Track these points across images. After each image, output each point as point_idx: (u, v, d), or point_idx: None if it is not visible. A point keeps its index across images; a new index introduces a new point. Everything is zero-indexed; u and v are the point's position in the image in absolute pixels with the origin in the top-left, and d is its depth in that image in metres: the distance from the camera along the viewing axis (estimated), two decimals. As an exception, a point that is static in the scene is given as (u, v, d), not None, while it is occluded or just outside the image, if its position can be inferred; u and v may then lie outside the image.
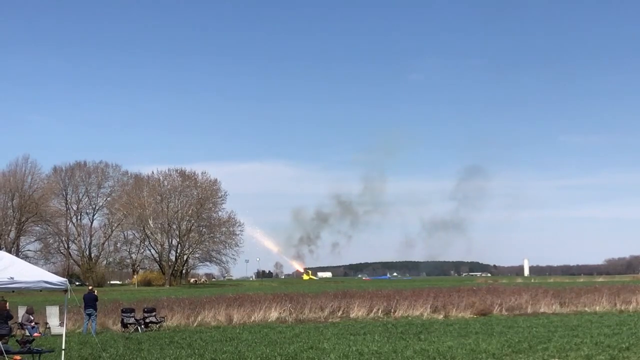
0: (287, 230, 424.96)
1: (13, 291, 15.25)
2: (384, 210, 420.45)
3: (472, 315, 39.38)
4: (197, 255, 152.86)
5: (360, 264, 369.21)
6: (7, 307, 24.30)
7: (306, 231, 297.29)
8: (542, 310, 42.02)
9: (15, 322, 30.66)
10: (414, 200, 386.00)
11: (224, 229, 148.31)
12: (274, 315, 38.48)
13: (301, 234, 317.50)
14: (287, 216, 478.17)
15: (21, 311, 33.10)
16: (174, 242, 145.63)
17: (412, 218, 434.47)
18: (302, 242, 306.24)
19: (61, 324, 31.00)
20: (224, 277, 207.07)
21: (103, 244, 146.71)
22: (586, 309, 43.02)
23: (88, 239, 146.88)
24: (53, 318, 34.23)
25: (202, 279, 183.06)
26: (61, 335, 19.40)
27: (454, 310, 40.33)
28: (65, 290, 15.11)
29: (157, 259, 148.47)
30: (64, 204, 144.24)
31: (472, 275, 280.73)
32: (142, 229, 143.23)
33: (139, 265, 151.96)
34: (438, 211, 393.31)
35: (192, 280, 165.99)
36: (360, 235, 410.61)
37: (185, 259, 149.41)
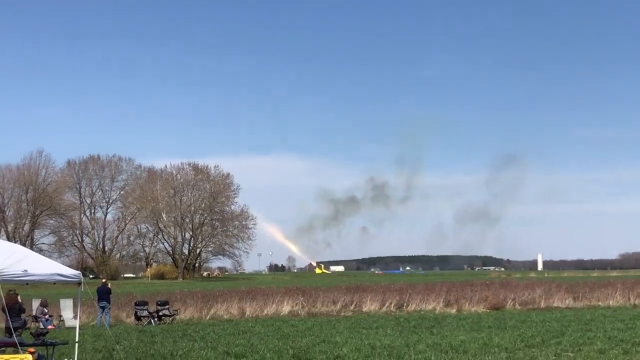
0: (301, 222, 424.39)
1: (27, 284, 15.31)
2: (407, 203, 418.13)
3: (485, 310, 39.29)
4: (209, 249, 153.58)
5: (373, 258, 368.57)
6: (20, 300, 24.44)
7: (325, 220, 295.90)
8: (555, 304, 41.88)
9: (30, 315, 30.87)
10: (436, 194, 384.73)
11: (236, 222, 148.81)
12: (286, 308, 38.55)
13: (319, 223, 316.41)
14: (300, 210, 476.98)
15: (35, 304, 33.32)
16: (187, 235, 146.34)
17: (430, 212, 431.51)
18: (321, 231, 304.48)
19: (75, 317, 31.18)
20: (237, 270, 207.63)
21: (117, 237, 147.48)
22: (600, 303, 42.82)
23: (102, 232, 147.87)
24: (67, 311, 34.43)
25: (215, 273, 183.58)
26: (75, 327, 19.49)
27: (467, 304, 40.26)
28: (79, 283, 15.16)
29: (170, 252, 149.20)
30: (77, 197, 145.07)
31: (486, 269, 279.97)
32: (155, 222, 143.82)
33: (152, 259, 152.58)
34: (460, 205, 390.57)
35: (204, 273, 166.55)
36: (382, 228, 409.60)
37: (198, 252, 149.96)
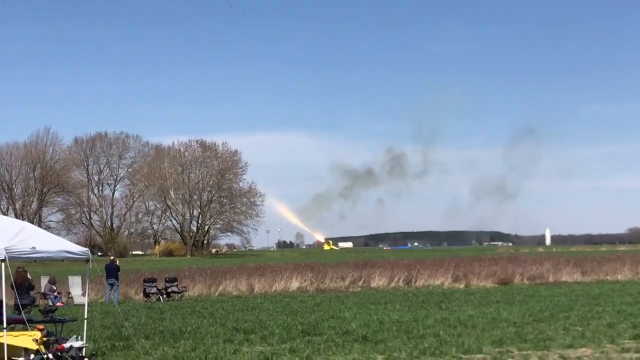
0: (311, 199, 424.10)
1: (35, 261, 15.33)
2: (423, 178, 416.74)
3: (493, 285, 39.38)
4: (218, 226, 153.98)
5: (381, 234, 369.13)
6: (29, 277, 24.52)
7: (338, 194, 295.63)
8: (563, 279, 41.94)
9: (38, 292, 31.00)
10: (453, 169, 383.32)
11: (244, 199, 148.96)
12: (295, 285, 38.68)
13: (330, 197, 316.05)
14: (310, 186, 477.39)
15: (44, 281, 33.45)
16: (195, 212, 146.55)
17: (446, 187, 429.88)
18: (331, 207, 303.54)
19: (83, 294, 31.31)
20: (245, 247, 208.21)
21: (125, 214, 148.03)
22: (608, 277, 42.85)
23: (110, 209, 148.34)
24: (75, 288, 34.57)
25: (224, 249, 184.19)
26: (84, 304, 19.57)
27: (475, 279, 40.37)
28: (87, 260, 15.18)
29: (179, 229, 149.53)
30: (85, 175, 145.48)
31: (494, 244, 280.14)
32: (163, 199, 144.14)
33: (160, 236, 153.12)
34: (476, 180, 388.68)
35: (213, 250, 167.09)
36: (397, 202, 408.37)
37: (206, 229, 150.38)
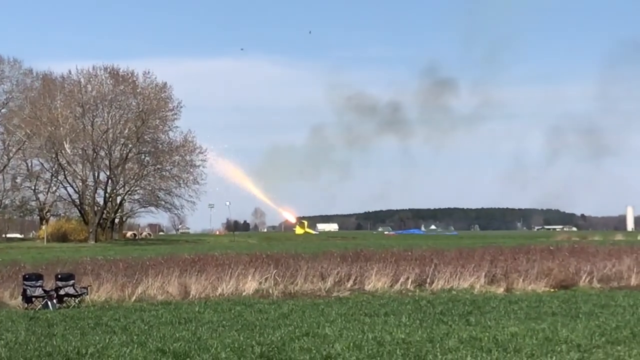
0: (278, 155, 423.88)
1: None
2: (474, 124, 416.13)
3: (547, 289, 39.63)
4: (136, 197, 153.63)
5: (382, 212, 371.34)
6: None
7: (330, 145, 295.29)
8: (652, 282, 42.29)
9: None
10: (518, 113, 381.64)
11: (177, 157, 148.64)
12: (251, 286, 38.73)
13: (315, 152, 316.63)
14: (275, 138, 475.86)
15: None
16: (102, 176, 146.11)
17: (508, 139, 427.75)
18: (316, 169, 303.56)
19: None
20: (177, 229, 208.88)
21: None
22: None
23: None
24: None
25: (144, 233, 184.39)
26: None
27: (521, 281, 40.58)
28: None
29: (77, 201, 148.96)
30: None
31: (549, 229, 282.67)
32: (54, 156, 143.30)
33: (49, 211, 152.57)
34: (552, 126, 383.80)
35: (129, 234, 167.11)
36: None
37: (119, 201, 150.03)
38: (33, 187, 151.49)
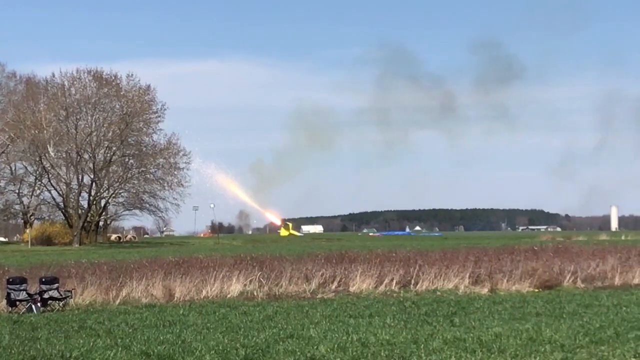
0: (262, 159, 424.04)
1: None
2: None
3: (531, 289, 39.72)
4: (120, 200, 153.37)
5: (366, 213, 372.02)
6: None
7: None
8: (636, 281, 42.38)
9: None
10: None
11: (161, 160, 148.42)
12: (235, 288, 38.73)
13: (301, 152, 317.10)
14: (260, 141, 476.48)
15: None
16: (87, 179, 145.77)
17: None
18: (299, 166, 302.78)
19: None
20: (162, 232, 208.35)
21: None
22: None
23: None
24: None
25: (129, 236, 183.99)
26: None
27: (505, 281, 40.67)
28: None
29: (61, 204, 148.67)
30: None
31: (534, 229, 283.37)
32: (37, 159, 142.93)
33: (33, 215, 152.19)
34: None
35: (113, 237, 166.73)
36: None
37: (103, 204, 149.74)
38: (17, 191, 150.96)
